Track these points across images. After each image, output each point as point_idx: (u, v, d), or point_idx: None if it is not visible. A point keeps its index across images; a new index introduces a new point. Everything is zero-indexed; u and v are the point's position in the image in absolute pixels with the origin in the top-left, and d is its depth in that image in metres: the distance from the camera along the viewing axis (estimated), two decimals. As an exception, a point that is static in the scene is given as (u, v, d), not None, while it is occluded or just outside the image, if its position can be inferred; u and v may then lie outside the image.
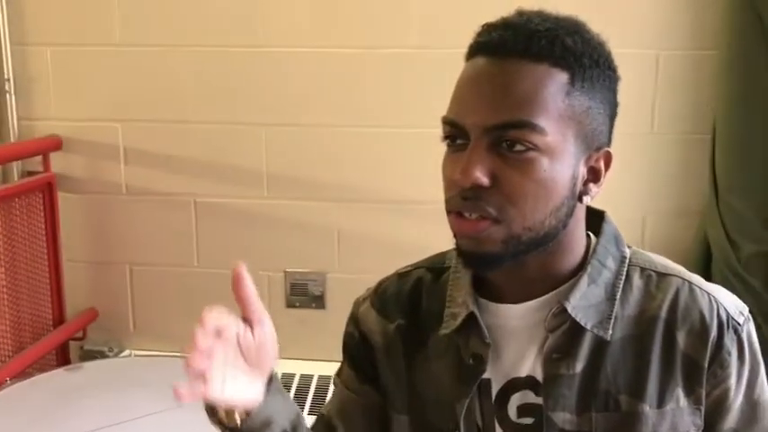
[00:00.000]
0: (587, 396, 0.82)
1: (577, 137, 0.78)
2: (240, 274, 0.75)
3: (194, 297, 2.31)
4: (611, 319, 0.82)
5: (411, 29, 2.09)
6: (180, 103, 2.21)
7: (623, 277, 0.85)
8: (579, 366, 0.82)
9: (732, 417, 0.85)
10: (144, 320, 2.36)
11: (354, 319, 0.96)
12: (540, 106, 0.76)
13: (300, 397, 2.13)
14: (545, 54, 0.76)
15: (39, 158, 2.22)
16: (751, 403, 0.86)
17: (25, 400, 1.72)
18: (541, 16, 0.80)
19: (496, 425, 0.85)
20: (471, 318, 0.85)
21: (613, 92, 0.83)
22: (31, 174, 2.25)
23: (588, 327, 0.82)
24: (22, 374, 1.95)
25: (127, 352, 2.34)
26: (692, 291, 0.84)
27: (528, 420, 0.84)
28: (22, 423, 1.62)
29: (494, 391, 0.85)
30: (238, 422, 0.79)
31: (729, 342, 0.83)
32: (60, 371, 1.89)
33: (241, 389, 0.76)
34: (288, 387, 2.16)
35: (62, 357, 2.29)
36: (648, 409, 0.81)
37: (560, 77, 0.77)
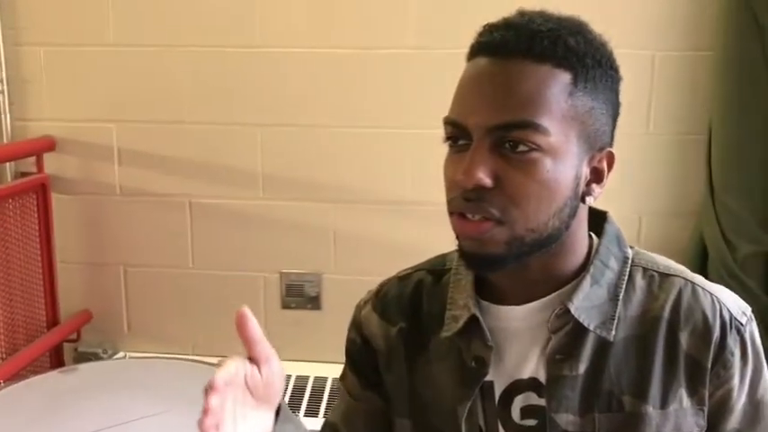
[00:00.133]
0: (590, 397, 0.82)
1: (580, 137, 0.78)
2: (244, 315, 0.73)
3: (189, 298, 2.30)
4: (614, 319, 0.82)
5: (408, 29, 2.09)
6: (175, 103, 2.20)
7: (626, 278, 0.85)
8: (582, 367, 0.82)
9: (735, 417, 0.85)
10: (138, 322, 2.35)
11: (356, 324, 0.96)
12: (544, 107, 0.75)
13: (297, 398, 2.12)
14: (548, 54, 0.76)
15: (32, 159, 2.21)
16: (754, 403, 0.85)
17: (19, 403, 1.71)
18: (543, 16, 0.80)
19: (500, 427, 0.85)
20: (473, 320, 0.84)
21: (616, 92, 0.82)
22: (24, 175, 2.23)
23: (591, 327, 0.82)
24: (16, 377, 1.94)
25: (121, 354, 2.33)
26: (694, 291, 0.84)
27: (531, 422, 0.84)
28: (16, 426, 1.61)
29: (497, 394, 0.85)
30: None
31: (732, 342, 0.82)
32: (54, 373, 1.88)
33: (251, 426, 0.75)
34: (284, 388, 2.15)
35: (56, 359, 2.27)
36: (652, 409, 0.81)
37: (563, 78, 0.77)
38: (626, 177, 2.06)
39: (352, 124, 2.15)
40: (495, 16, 0.82)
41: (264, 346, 0.75)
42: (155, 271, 2.30)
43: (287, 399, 1.68)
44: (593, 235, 0.88)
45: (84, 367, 1.91)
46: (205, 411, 0.67)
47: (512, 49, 0.76)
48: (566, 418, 0.81)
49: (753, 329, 0.85)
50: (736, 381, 0.83)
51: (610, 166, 0.83)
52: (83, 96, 2.23)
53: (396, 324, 0.92)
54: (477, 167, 0.75)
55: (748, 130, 1.89)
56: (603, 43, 0.81)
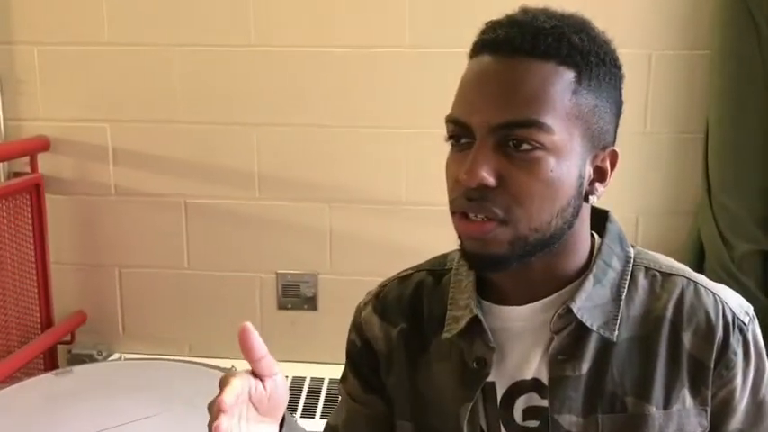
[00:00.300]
0: (593, 398, 0.81)
1: (584, 136, 0.78)
2: (247, 329, 0.72)
3: (185, 299, 2.29)
4: (616, 319, 0.82)
5: (405, 29, 2.08)
6: (170, 103, 2.18)
7: (628, 277, 0.84)
8: (585, 368, 0.81)
9: (738, 417, 0.84)
10: (133, 323, 2.33)
11: (357, 326, 0.95)
12: (548, 105, 0.75)
13: (293, 399, 2.11)
14: (552, 52, 0.76)
15: (26, 159, 2.19)
16: (756, 403, 0.85)
17: (13, 406, 1.69)
18: (546, 14, 0.79)
19: (502, 428, 0.84)
20: (475, 321, 0.84)
21: (619, 90, 0.82)
22: (18, 175, 2.22)
23: (594, 327, 0.81)
24: (10, 379, 1.92)
25: (116, 355, 2.31)
26: (697, 290, 0.84)
27: (533, 423, 0.83)
28: (10, 429, 1.59)
29: (499, 395, 0.84)
30: None
31: (735, 342, 0.82)
32: (49, 375, 1.86)
33: None
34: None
35: (50, 361, 2.26)
36: (655, 410, 0.81)
37: (567, 76, 0.76)
38: (622, 176, 2.05)
39: (348, 124, 2.15)
40: (492, 16, 0.81)
41: (268, 361, 0.74)
42: (150, 272, 2.29)
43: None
44: (594, 234, 0.87)
45: (79, 369, 1.90)
46: None
47: (516, 46, 0.76)
48: (568, 419, 0.81)
49: (755, 329, 0.85)
50: (738, 381, 0.83)
51: (613, 164, 0.82)
52: (77, 96, 2.22)
53: (396, 325, 0.91)
54: (481, 166, 0.74)
55: (745, 128, 1.89)
56: (607, 41, 0.81)
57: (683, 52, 2.04)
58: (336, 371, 1.00)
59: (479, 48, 0.79)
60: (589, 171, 0.80)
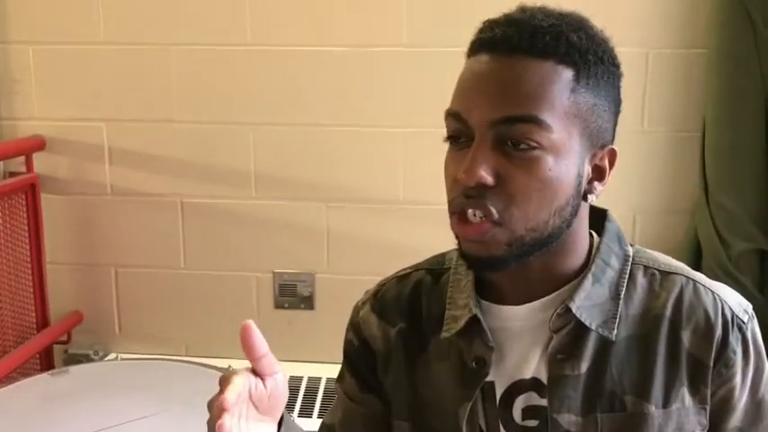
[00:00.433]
0: (592, 397, 0.81)
1: (583, 135, 0.77)
2: (249, 327, 0.72)
3: (181, 299, 2.28)
4: (615, 318, 0.81)
5: (402, 27, 2.07)
6: (166, 102, 2.18)
7: (627, 276, 0.84)
8: (584, 367, 0.81)
9: (737, 416, 0.84)
10: (130, 323, 2.33)
11: (354, 325, 0.94)
12: (546, 103, 0.75)
13: (290, 399, 2.09)
14: (550, 51, 0.75)
15: (21, 159, 2.18)
16: (756, 402, 0.85)
17: (9, 406, 1.69)
18: (544, 12, 0.79)
19: (501, 428, 0.84)
20: (474, 321, 0.83)
21: (617, 88, 0.82)
22: (13, 174, 2.21)
23: (593, 327, 0.81)
24: (6, 379, 1.92)
25: (113, 355, 2.31)
26: (696, 289, 0.84)
27: (533, 423, 0.83)
28: (7, 429, 1.59)
29: (498, 394, 0.84)
30: None
31: (734, 341, 0.82)
32: (45, 375, 1.86)
33: None
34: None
35: (46, 361, 2.25)
36: (654, 409, 0.80)
37: (566, 74, 0.76)
38: (620, 175, 2.05)
39: (345, 123, 2.14)
40: (490, 15, 0.81)
41: (269, 360, 0.73)
42: (146, 271, 2.29)
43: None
44: (593, 233, 0.87)
45: (75, 369, 1.89)
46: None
47: (514, 45, 0.75)
48: (567, 419, 0.81)
49: (755, 327, 0.85)
50: (738, 379, 0.83)
51: (611, 163, 0.82)
52: (72, 95, 2.21)
53: (395, 325, 0.91)
54: (479, 165, 0.74)
55: (742, 127, 1.89)
56: (605, 39, 0.81)
57: (681, 51, 2.04)
58: (334, 370, 0.99)
59: (477, 47, 0.79)
60: (588, 170, 0.80)
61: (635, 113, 2.07)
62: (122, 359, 2.26)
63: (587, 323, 0.81)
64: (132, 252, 2.28)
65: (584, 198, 0.81)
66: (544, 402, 0.82)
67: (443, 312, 0.87)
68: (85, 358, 2.27)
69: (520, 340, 0.83)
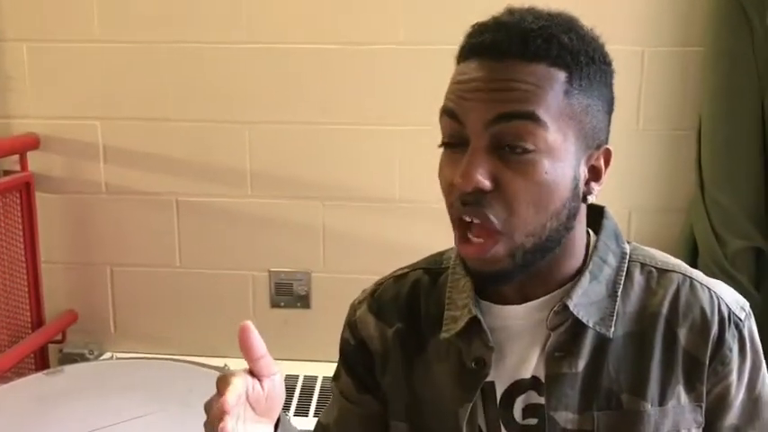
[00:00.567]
0: (589, 394, 0.81)
1: (578, 136, 0.77)
2: (248, 328, 0.71)
3: (177, 298, 2.28)
4: (612, 315, 0.81)
5: (397, 25, 2.07)
6: (162, 100, 2.17)
7: (624, 273, 0.84)
8: (581, 364, 0.81)
9: (733, 413, 0.84)
10: (125, 322, 2.32)
11: (351, 325, 0.93)
12: (541, 105, 0.74)
13: (286, 398, 2.09)
14: (542, 54, 0.74)
15: (15, 157, 2.17)
16: (752, 399, 0.85)
17: (4, 406, 1.68)
18: (533, 14, 0.78)
19: (502, 428, 0.84)
20: (474, 321, 0.83)
21: (610, 87, 0.81)
22: (7, 173, 2.19)
23: (590, 324, 0.81)
24: (0, 379, 1.91)
25: (108, 354, 2.30)
26: (692, 286, 0.84)
27: (533, 421, 0.83)
28: (2, 429, 1.58)
29: (498, 394, 0.84)
30: None
31: (731, 338, 0.82)
32: (40, 375, 1.85)
33: None
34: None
35: (41, 361, 2.24)
36: (650, 407, 0.80)
37: (559, 77, 0.75)
38: (616, 173, 2.04)
39: (340, 121, 2.14)
40: (485, 11, 0.80)
41: (267, 361, 0.73)
42: (141, 270, 2.28)
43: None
44: (590, 231, 0.87)
45: (70, 369, 1.88)
46: None
47: (504, 50, 0.74)
48: (564, 416, 0.80)
49: (751, 325, 0.85)
50: (734, 377, 0.83)
51: (607, 162, 0.82)
52: (67, 93, 2.20)
53: (392, 325, 0.90)
54: (476, 170, 0.73)
55: (738, 125, 1.89)
56: (595, 38, 0.80)
57: (677, 49, 2.04)
58: (330, 369, 0.99)
59: (466, 52, 0.78)
60: (584, 171, 0.79)
61: (631, 112, 2.07)
62: (117, 358, 2.25)
63: (584, 320, 0.80)
64: (127, 251, 2.27)
65: (584, 200, 0.80)
66: (542, 400, 0.81)
67: (442, 313, 0.87)
68: (80, 357, 2.26)
69: (519, 340, 0.83)
